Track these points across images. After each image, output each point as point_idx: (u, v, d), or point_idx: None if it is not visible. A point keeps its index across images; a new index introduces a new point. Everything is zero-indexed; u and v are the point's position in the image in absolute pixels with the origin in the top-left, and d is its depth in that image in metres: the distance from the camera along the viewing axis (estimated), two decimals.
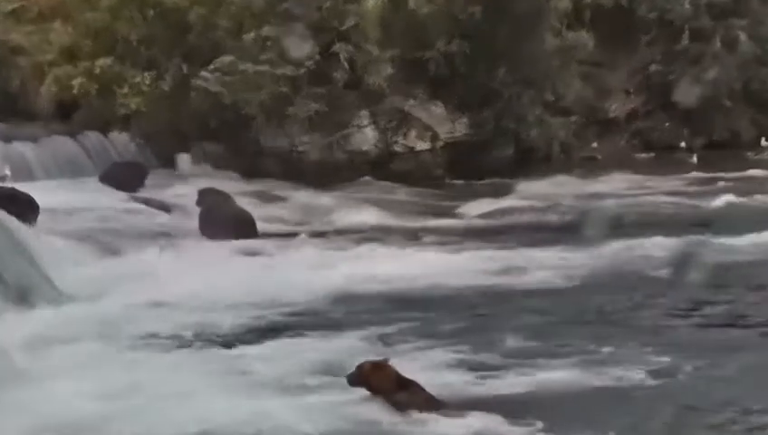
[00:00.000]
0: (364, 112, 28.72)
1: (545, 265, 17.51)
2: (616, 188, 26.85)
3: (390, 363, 10.65)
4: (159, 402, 10.26)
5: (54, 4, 30.60)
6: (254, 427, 9.95)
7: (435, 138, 29.32)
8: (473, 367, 11.93)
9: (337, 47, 27.88)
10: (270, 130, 27.89)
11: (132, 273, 16.42)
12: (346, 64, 27.97)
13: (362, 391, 10.55)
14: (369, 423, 10.19)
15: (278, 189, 25.89)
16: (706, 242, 18.87)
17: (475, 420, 10.19)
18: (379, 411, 10.31)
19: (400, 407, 10.30)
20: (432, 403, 10.43)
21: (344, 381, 10.65)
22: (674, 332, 13.67)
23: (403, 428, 10.07)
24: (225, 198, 21.46)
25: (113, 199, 23.33)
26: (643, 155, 32.32)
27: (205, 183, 23.99)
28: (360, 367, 10.64)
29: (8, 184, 21.14)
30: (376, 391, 10.47)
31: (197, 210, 21.22)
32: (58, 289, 15.40)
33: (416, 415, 10.20)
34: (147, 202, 23.37)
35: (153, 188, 24.90)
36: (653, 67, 32.67)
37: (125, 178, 24.81)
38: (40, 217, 18.29)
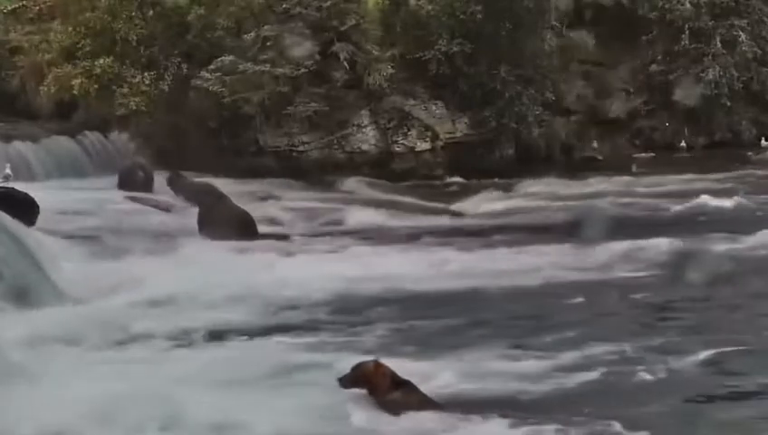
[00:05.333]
0: (364, 112, 28.73)
1: (545, 265, 17.48)
2: (616, 188, 26.80)
3: (384, 363, 10.61)
4: (157, 401, 10.24)
5: (54, 4, 30.61)
6: (248, 424, 9.94)
7: (435, 137, 29.31)
8: (470, 366, 11.90)
9: (337, 47, 27.88)
10: (269, 129, 27.90)
11: (132, 272, 16.40)
12: (346, 64, 27.97)
13: (356, 391, 10.51)
14: (363, 423, 10.15)
15: (277, 189, 25.89)
16: (705, 242, 18.87)
17: (471, 419, 10.16)
18: (373, 411, 10.29)
19: (395, 407, 10.26)
20: (427, 403, 10.39)
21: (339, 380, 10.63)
22: (673, 329, 13.64)
23: (398, 427, 10.04)
24: (225, 198, 21.48)
25: (113, 199, 23.32)
26: (643, 155, 32.28)
27: None
28: (356, 367, 10.60)
29: (9, 184, 21.16)
30: (372, 390, 10.43)
31: (196, 210, 21.17)
32: (58, 289, 15.38)
33: (411, 415, 10.16)
34: (146, 202, 23.36)
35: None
36: (654, 67, 32.66)
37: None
38: (40, 217, 18.27)
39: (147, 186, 24.81)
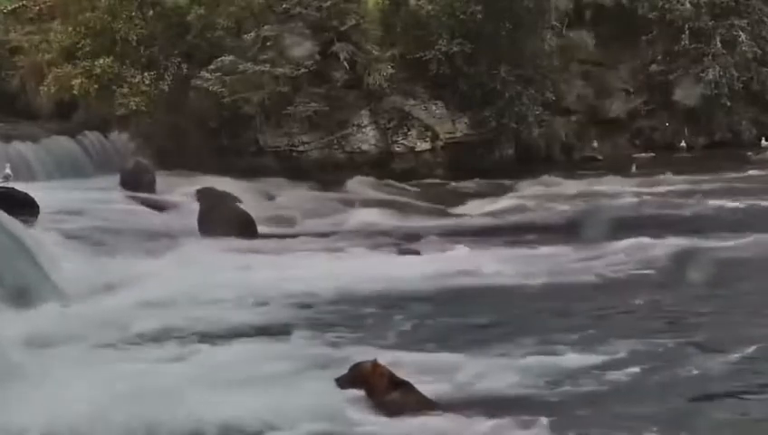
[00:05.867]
0: (364, 112, 28.73)
1: (545, 265, 17.46)
2: (616, 187, 26.80)
3: (382, 363, 10.58)
4: (157, 401, 10.23)
5: (54, 4, 30.60)
6: (248, 425, 9.93)
7: (435, 137, 29.31)
8: (468, 367, 11.86)
9: (337, 47, 27.87)
10: (269, 129, 27.89)
11: (132, 272, 16.37)
12: (346, 64, 27.96)
13: (352, 392, 10.50)
14: (360, 424, 10.14)
15: (277, 189, 25.85)
16: (705, 242, 18.88)
17: (468, 419, 10.13)
18: (371, 412, 10.26)
19: (393, 407, 10.22)
20: (425, 404, 10.36)
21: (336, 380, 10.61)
22: (672, 330, 13.61)
23: (395, 428, 10.02)
24: (224, 197, 21.43)
25: (113, 199, 23.30)
26: (643, 155, 32.30)
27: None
28: (354, 367, 10.56)
29: (9, 184, 21.16)
30: (370, 391, 10.40)
31: (196, 210, 21.16)
32: (58, 288, 15.35)
33: (409, 415, 10.13)
34: (146, 202, 23.34)
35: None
36: (654, 67, 32.70)
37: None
38: (40, 217, 18.25)
39: (150, 186, 24.79)
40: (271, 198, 25.05)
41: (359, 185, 26.97)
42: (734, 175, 28.06)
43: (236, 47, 27.63)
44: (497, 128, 29.52)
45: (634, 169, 29.56)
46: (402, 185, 27.44)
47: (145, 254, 17.73)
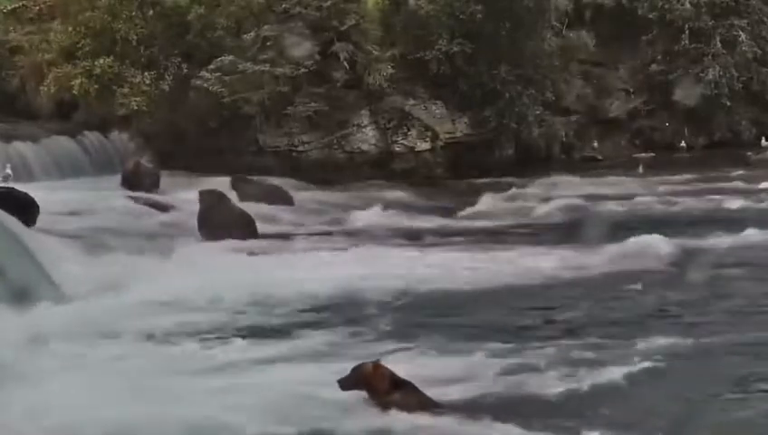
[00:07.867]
0: (364, 112, 28.73)
1: (545, 265, 17.46)
2: (616, 187, 26.80)
3: (383, 364, 10.59)
4: (156, 401, 10.24)
5: (54, 4, 30.61)
6: (248, 425, 9.93)
7: (435, 137, 29.31)
8: (469, 367, 11.86)
9: (337, 47, 27.88)
10: (269, 129, 27.90)
11: (131, 272, 16.36)
12: (346, 64, 27.96)
13: (354, 393, 10.50)
14: (360, 423, 10.14)
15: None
16: (704, 241, 18.90)
17: (471, 419, 10.14)
18: (372, 412, 10.27)
19: (395, 408, 10.23)
20: (427, 404, 10.37)
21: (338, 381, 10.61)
22: (672, 330, 13.61)
23: (395, 428, 10.03)
24: (225, 198, 21.42)
25: (113, 199, 23.29)
26: (643, 155, 32.31)
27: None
28: (356, 368, 10.57)
29: (9, 183, 21.15)
30: (371, 392, 10.41)
31: (196, 210, 21.13)
32: (57, 288, 15.36)
33: (409, 415, 10.14)
34: (147, 202, 23.33)
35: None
36: (654, 67, 32.72)
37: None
38: (40, 217, 18.26)
39: (153, 186, 24.78)
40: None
41: (358, 185, 26.93)
42: (734, 174, 28.06)
43: (236, 47, 27.64)
44: (497, 128, 29.53)
45: (641, 169, 29.44)
46: (402, 185, 27.41)
47: (144, 254, 17.72)
